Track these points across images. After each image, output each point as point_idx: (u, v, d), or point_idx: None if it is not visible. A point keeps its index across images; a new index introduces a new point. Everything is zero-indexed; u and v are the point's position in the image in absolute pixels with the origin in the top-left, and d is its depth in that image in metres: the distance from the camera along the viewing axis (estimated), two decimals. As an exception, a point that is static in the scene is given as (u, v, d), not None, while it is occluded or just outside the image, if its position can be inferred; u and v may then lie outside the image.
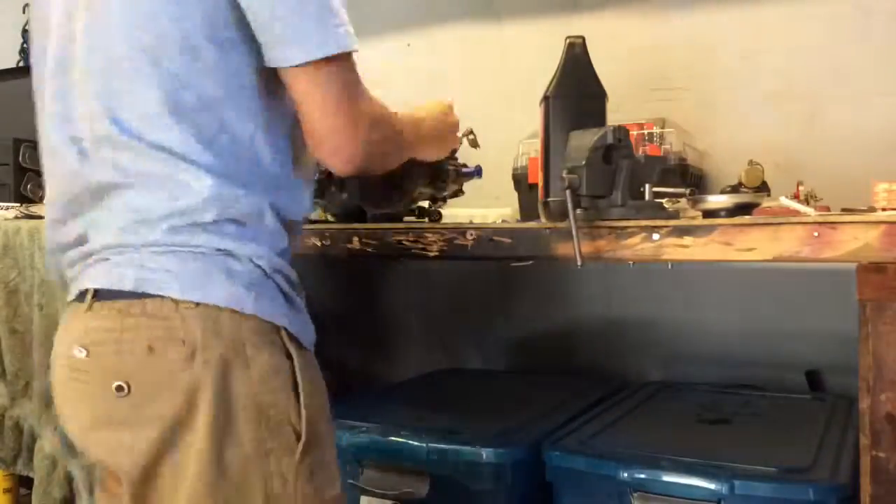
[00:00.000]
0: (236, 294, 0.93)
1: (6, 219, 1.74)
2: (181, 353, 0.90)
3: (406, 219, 1.52)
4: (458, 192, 1.54)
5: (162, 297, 0.91)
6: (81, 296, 0.95)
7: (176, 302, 0.91)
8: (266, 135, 0.97)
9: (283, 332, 0.95)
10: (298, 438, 0.95)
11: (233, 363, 0.91)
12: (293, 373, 0.95)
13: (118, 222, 0.94)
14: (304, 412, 0.95)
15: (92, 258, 0.96)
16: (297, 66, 0.93)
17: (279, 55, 0.94)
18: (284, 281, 0.98)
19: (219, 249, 0.93)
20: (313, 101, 0.95)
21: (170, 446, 0.91)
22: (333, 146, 0.97)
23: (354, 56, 0.97)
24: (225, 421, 0.91)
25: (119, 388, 0.91)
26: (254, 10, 0.92)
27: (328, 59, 0.93)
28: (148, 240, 0.92)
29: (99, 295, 0.93)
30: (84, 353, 0.93)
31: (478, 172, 1.52)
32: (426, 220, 1.54)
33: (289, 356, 0.95)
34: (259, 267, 0.95)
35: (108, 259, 0.94)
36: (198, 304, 0.91)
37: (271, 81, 0.97)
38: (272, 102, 0.98)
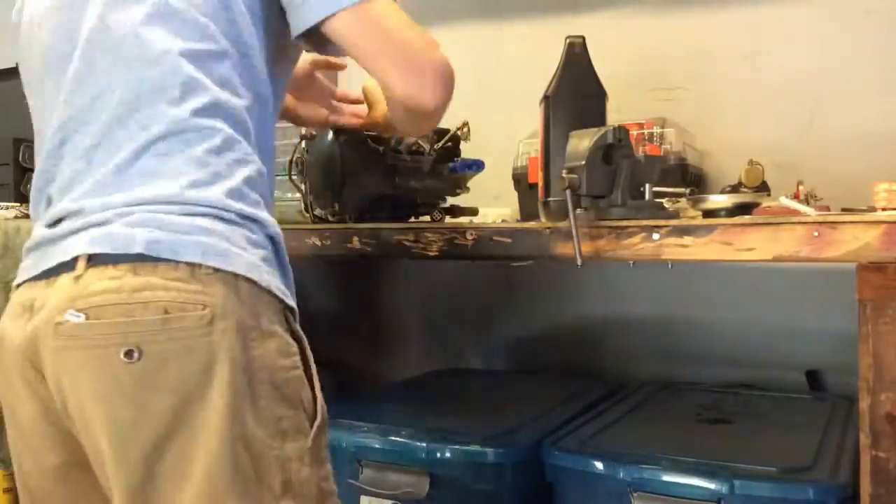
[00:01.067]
0: (255, 264, 0.89)
1: (6, 219, 1.74)
2: (200, 318, 0.84)
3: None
4: (462, 190, 1.55)
5: (177, 261, 0.85)
6: (64, 266, 0.87)
7: (192, 266, 0.86)
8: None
9: (290, 313, 0.93)
10: (311, 420, 0.91)
11: (252, 334, 0.87)
12: (302, 353, 0.92)
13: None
14: (318, 393, 0.92)
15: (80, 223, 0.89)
16: None
17: None
18: (283, 261, 0.96)
19: (242, 216, 0.90)
20: None
21: (181, 423, 0.84)
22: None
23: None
24: (243, 396, 0.85)
25: (128, 354, 0.83)
26: None
27: None
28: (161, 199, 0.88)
29: (95, 260, 0.86)
30: (82, 317, 0.84)
31: (477, 166, 1.51)
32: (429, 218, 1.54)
33: (294, 335, 0.92)
34: (271, 239, 0.93)
35: (107, 223, 0.87)
36: (217, 270, 0.86)
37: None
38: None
